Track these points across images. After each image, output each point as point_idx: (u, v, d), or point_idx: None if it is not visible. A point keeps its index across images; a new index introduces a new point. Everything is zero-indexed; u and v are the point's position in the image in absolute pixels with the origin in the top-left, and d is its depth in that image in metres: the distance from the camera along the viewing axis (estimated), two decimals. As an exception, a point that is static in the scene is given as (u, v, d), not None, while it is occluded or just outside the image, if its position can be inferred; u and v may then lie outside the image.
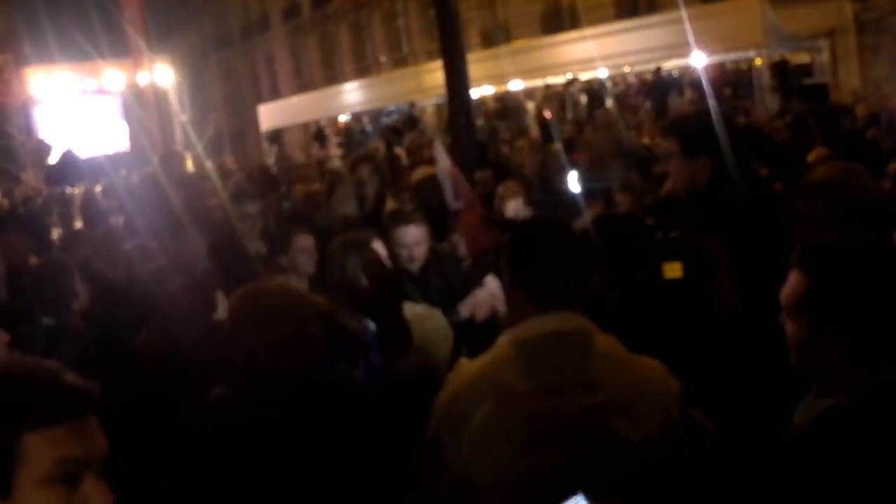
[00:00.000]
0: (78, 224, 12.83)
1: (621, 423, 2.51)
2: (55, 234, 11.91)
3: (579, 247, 2.78)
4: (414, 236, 5.38)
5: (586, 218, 4.37)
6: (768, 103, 20.16)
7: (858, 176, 3.46)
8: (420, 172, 8.69)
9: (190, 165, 21.22)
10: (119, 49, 23.26)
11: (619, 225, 3.70)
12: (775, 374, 3.04)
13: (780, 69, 21.33)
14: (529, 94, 24.94)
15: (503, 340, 2.75)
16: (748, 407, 3.12)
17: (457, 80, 10.94)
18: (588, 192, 5.65)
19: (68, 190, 16.82)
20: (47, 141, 14.39)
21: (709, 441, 2.74)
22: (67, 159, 15.23)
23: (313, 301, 3.21)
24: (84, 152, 21.12)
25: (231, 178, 15.42)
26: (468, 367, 2.76)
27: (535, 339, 2.65)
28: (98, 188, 15.97)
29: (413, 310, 3.96)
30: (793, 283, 2.50)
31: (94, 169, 18.09)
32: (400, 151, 16.76)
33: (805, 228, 3.42)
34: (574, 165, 7.05)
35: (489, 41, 31.59)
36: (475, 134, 11.82)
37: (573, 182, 5.38)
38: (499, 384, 2.60)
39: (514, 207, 6.87)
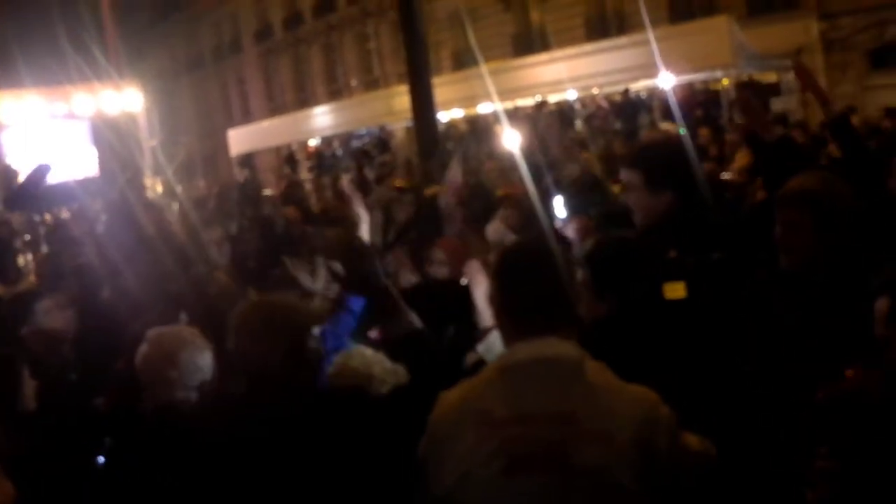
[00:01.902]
0: (44, 250, 12.71)
1: (599, 453, 2.49)
2: (22, 260, 11.80)
3: (564, 272, 2.77)
4: None
5: (586, 243, 4.32)
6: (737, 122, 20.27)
7: (840, 184, 3.50)
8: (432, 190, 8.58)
9: (159, 189, 21.14)
10: (89, 73, 23.11)
11: (618, 248, 3.67)
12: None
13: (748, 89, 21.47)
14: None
15: (490, 365, 2.78)
16: (752, 429, 3.13)
17: (423, 103, 10.98)
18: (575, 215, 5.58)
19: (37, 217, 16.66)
20: (14, 166, 14.27)
21: (708, 468, 2.73)
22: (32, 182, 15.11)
23: (311, 312, 3.42)
24: (52, 177, 20.92)
25: (204, 201, 15.31)
26: (455, 389, 2.76)
27: (516, 366, 2.65)
28: (65, 214, 15.81)
29: (363, 354, 4.03)
30: (881, 310, 2.62)
31: (62, 194, 17.92)
32: (369, 174, 16.77)
33: (789, 236, 3.45)
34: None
35: (461, 64, 31.72)
36: (443, 156, 11.83)
37: (559, 206, 5.32)
38: (480, 409, 2.62)
39: (495, 230, 6.83)
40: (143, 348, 3.82)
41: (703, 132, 16.01)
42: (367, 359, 4.01)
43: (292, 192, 11.94)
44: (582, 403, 2.55)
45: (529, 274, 2.72)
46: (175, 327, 4.01)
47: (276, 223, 8.70)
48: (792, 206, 3.46)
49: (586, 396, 2.56)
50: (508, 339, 2.77)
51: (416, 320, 4.32)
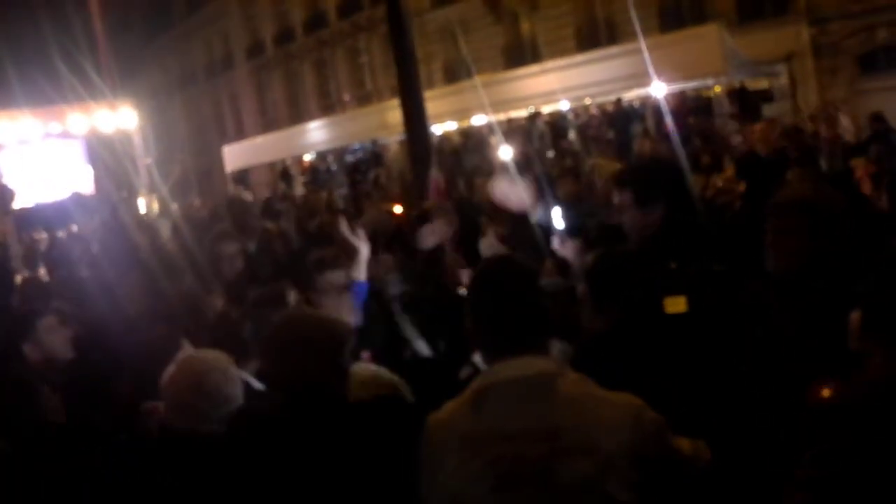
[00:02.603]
0: (42, 270, 12.71)
1: (586, 466, 2.50)
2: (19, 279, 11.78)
3: (539, 290, 2.78)
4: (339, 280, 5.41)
5: (587, 258, 4.33)
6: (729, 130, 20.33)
7: (832, 192, 3.53)
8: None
9: (155, 207, 21.16)
10: (83, 92, 23.18)
11: (617, 262, 3.68)
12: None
13: (740, 96, 21.54)
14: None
15: (471, 386, 2.77)
16: (751, 434, 3.15)
17: (415, 117, 11.01)
18: (573, 228, 5.58)
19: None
20: (10, 186, 14.31)
21: (701, 470, 2.75)
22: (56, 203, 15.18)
23: (343, 327, 3.36)
24: (48, 197, 20.96)
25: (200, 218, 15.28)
26: (441, 411, 2.78)
27: (496, 386, 2.66)
28: (61, 233, 15.82)
29: (366, 370, 4.03)
30: (853, 324, 2.67)
31: (58, 214, 17.95)
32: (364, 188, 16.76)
33: (780, 242, 3.47)
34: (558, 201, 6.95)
35: (453, 76, 31.77)
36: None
37: (557, 218, 5.29)
38: (464, 430, 2.64)
39: (488, 245, 6.83)
40: (171, 370, 3.68)
41: (696, 140, 16.07)
42: (374, 373, 4.03)
43: (311, 203, 11.89)
44: (565, 418, 2.56)
45: (502, 294, 2.73)
46: (208, 352, 3.80)
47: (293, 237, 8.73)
48: (787, 213, 3.46)
49: (568, 410, 2.57)
50: (487, 359, 2.78)
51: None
